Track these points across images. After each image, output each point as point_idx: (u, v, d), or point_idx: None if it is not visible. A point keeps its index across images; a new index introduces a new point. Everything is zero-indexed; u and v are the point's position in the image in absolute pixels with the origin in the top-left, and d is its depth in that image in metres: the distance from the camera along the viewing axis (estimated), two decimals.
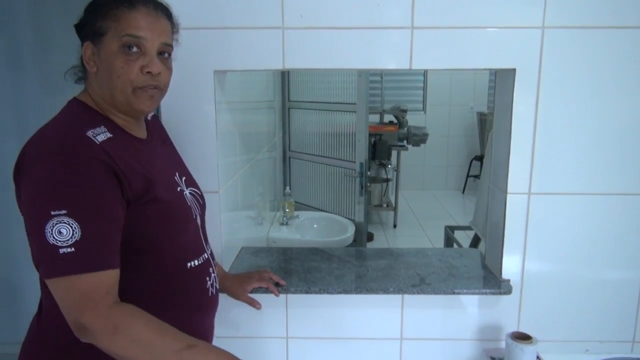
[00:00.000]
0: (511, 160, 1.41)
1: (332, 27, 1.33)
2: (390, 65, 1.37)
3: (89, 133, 0.90)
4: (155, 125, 1.17)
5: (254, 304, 1.37)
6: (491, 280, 1.49)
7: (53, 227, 0.81)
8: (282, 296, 1.49)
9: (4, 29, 2.50)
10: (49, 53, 2.49)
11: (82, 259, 0.82)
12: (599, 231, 1.44)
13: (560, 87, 1.36)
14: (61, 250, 0.81)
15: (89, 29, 0.96)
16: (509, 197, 1.43)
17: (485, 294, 1.45)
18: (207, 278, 1.12)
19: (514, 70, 1.35)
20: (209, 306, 1.15)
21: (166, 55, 1.01)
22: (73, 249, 0.81)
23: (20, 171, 0.88)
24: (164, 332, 0.88)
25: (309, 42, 1.35)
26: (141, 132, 1.06)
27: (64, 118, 0.96)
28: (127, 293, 0.90)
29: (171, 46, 1.02)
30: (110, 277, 0.86)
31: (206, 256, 1.13)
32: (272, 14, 1.33)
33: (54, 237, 0.81)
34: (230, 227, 1.61)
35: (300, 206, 3.45)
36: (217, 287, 1.18)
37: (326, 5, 1.33)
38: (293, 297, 1.51)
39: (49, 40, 2.49)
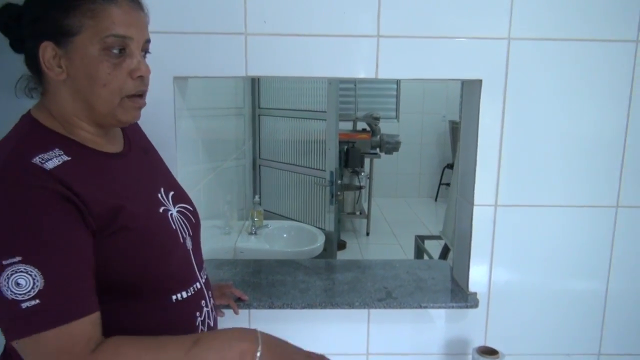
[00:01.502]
0: (477, 172, 1.39)
1: (297, 34, 1.30)
2: (356, 74, 1.34)
3: (36, 159, 0.74)
4: (134, 133, 1.00)
5: (217, 312, 1.30)
6: (458, 293, 1.47)
7: (8, 278, 0.67)
8: (245, 311, 1.44)
9: None
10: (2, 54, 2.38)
11: (51, 310, 0.69)
12: (565, 243, 1.44)
13: (526, 99, 1.35)
14: (23, 305, 0.67)
15: (45, 25, 0.78)
16: (475, 208, 1.41)
17: (452, 307, 1.42)
18: (198, 313, 0.94)
19: (480, 81, 1.34)
20: None
21: (146, 54, 0.88)
22: (37, 300, 0.67)
23: None
24: (163, 345, 0.76)
25: (273, 49, 1.31)
26: (114, 145, 0.90)
27: (9, 142, 0.79)
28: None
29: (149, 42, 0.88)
30: (88, 325, 0.72)
31: (198, 286, 0.95)
32: (235, 20, 1.29)
33: (11, 291, 0.67)
34: None
35: (270, 215, 3.40)
36: (212, 324, 0.99)
37: (291, 11, 1.29)
38: (256, 312, 1.46)
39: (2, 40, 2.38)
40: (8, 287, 0.67)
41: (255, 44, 1.30)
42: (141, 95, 0.86)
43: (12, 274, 0.67)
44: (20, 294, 0.67)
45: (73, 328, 0.70)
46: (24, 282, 0.67)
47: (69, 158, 0.78)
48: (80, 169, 0.79)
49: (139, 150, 0.98)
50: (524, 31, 1.31)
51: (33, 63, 0.81)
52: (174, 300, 0.89)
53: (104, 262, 0.78)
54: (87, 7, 0.77)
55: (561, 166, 1.39)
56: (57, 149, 0.78)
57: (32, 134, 0.80)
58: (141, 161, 0.97)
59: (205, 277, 1.01)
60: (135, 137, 0.99)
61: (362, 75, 1.33)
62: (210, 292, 1.01)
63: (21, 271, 0.67)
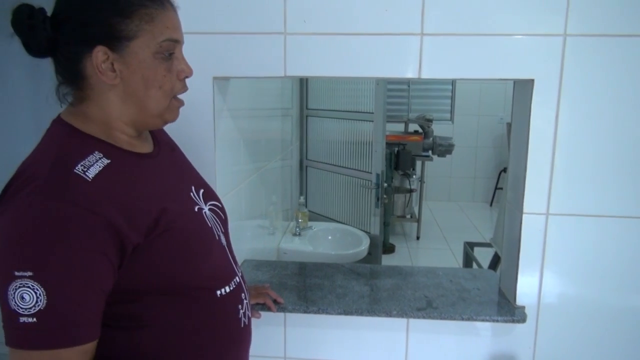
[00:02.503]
0: (528, 178, 1.30)
1: (336, 33, 1.26)
2: (397, 73, 1.28)
3: (78, 168, 0.74)
4: (159, 132, 1.02)
5: (253, 313, 1.30)
6: (504, 306, 1.38)
7: (15, 290, 0.68)
8: (280, 314, 1.42)
9: None
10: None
11: (44, 332, 0.69)
12: (623, 256, 1.32)
13: (582, 100, 1.25)
14: (21, 319, 0.68)
15: (98, 30, 0.77)
16: (524, 217, 1.32)
17: (497, 321, 1.34)
18: (240, 306, 0.97)
19: (532, 81, 1.25)
20: (243, 340, 0.99)
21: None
22: (34, 319, 0.68)
23: (1, 205, 0.74)
24: None
25: (312, 48, 1.28)
26: (147, 146, 0.91)
27: (49, 150, 0.78)
28: (154, 341, 0.83)
29: None
30: (76, 354, 0.72)
31: (237, 280, 0.98)
32: (274, 19, 1.27)
33: (15, 302, 0.68)
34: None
35: (315, 216, 3.38)
36: (250, 316, 1.02)
37: (330, 10, 1.26)
38: (292, 316, 1.44)
39: None
40: (13, 298, 0.68)
41: (295, 43, 1.28)
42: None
43: (19, 287, 0.68)
44: (21, 308, 0.68)
45: (60, 355, 0.70)
46: (28, 298, 0.68)
47: (109, 161, 0.78)
48: (120, 172, 0.79)
49: (167, 149, 0.99)
50: (581, 27, 1.21)
51: (72, 68, 0.80)
52: (219, 295, 0.91)
53: (152, 265, 0.80)
54: (144, 11, 0.79)
55: (620, 173, 1.28)
56: (96, 152, 0.78)
57: (72, 140, 0.80)
58: (170, 160, 0.98)
59: (241, 271, 1.03)
60: (161, 136, 1.00)
61: (404, 75, 1.28)
62: (246, 285, 1.03)
63: (28, 286, 0.68)
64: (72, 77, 0.81)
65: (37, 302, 0.68)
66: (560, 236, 1.32)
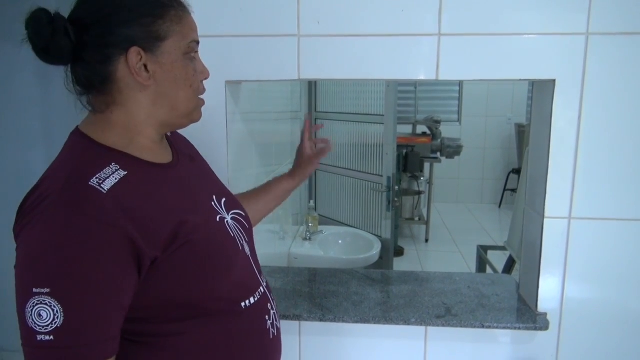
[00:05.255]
0: (549, 181, 1.26)
1: (351, 34, 1.23)
2: (415, 75, 1.25)
3: (94, 180, 0.72)
4: (178, 141, 0.99)
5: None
6: (526, 313, 1.34)
7: (33, 307, 0.66)
8: (295, 323, 1.39)
9: None
10: None
11: (60, 350, 0.67)
12: None
13: (606, 101, 1.21)
14: (38, 337, 0.66)
15: (133, 30, 0.76)
16: (546, 221, 1.28)
17: (519, 329, 1.30)
18: (267, 317, 0.94)
19: (554, 81, 1.21)
20: (271, 351, 0.96)
21: None
22: (52, 337, 0.66)
23: (18, 221, 0.73)
24: None
25: (326, 50, 1.25)
26: (166, 155, 0.89)
27: (67, 162, 0.77)
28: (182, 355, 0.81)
29: None
30: None
31: (262, 290, 0.95)
32: (288, 21, 1.25)
33: (32, 320, 0.66)
34: None
35: (326, 220, 3.35)
36: (279, 326, 0.99)
37: (345, 11, 1.23)
38: (306, 324, 1.41)
39: None
40: (31, 315, 0.66)
41: (309, 45, 1.25)
42: None
43: (37, 304, 0.66)
44: (39, 326, 0.66)
45: None
46: (45, 315, 0.66)
47: (126, 172, 0.76)
48: (137, 184, 0.77)
49: (186, 159, 0.95)
50: (604, 25, 1.17)
51: (100, 72, 0.77)
52: (243, 307, 0.89)
53: (172, 280, 0.77)
54: (174, 13, 0.80)
55: None
56: (113, 164, 0.76)
57: (88, 152, 0.78)
58: (189, 169, 0.94)
59: (265, 280, 1.00)
60: (180, 146, 0.97)
61: (421, 77, 1.25)
62: (272, 294, 1.00)
63: (46, 303, 0.66)
64: (98, 82, 0.78)
65: (54, 319, 0.66)
66: (583, 240, 1.28)
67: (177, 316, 0.80)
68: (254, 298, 0.91)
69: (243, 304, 0.89)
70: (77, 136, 0.80)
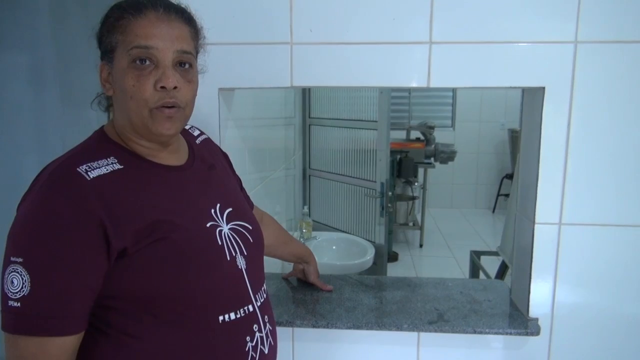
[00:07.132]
0: (540, 187, 1.28)
1: (343, 42, 1.25)
2: (407, 83, 1.26)
3: (82, 167, 0.77)
4: (205, 149, 1.01)
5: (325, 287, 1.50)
6: (517, 318, 1.35)
7: (9, 274, 0.72)
8: (288, 329, 1.39)
9: (26, 45, 2.51)
10: (70, 70, 2.48)
11: (24, 318, 0.72)
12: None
13: (595, 108, 1.23)
14: (9, 303, 0.72)
15: (100, 46, 0.85)
16: (537, 227, 1.29)
17: (510, 334, 1.31)
18: (248, 337, 0.88)
19: (543, 89, 1.23)
20: None
21: (187, 66, 0.85)
22: (19, 303, 0.72)
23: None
24: None
25: (319, 58, 1.26)
26: (176, 158, 0.91)
27: (74, 149, 0.84)
28: (143, 356, 0.81)
29: (192, 54, 0.86)
30: (57, 346, 0.74)
31: (250, 308, 0.90)
32: (280, 29, 1.26)
33: (7, 286, 0.73)
34: None
35: (320, 226, 3.35)
36: (267, 351, 0.93)
37: (337, 19, 1.24)
38: (299, 330, 1.41)
39: (71, 56, 2.49)
40: (6, 281, 0.73)
41: (301, 53, 1.26)
42: (172, 106, 0.83)
43: (11, 271, 0.72)
44: (10, 292, 0.72)
45: (39, 343, 0.73)
46: (16, 282, 0.72)
47: (121, 167, 0.82)
48: (128, 179, 0.82)
49: (203, 166, 0.97)
50: (592, 34, 1.19)
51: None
52: (220, 321, 0.86)
53: (138, 271, 0.79)
54: (119, 23, 0.82)
55: (633, 182, 1.26)
56: (112, 157, 0.82)
57: (94, 144, 0.85)
58: (201, 176, 0.96)
59: (262, 300, 0.96)
60: (203, 153, 1.00)
61: (413, 84, 1.26)
62: (267, 317, 0.96)
63: (17, 272, 0.72)
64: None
65: (22, 287, 0.72)
66: (574, 246, 1.30)
67: (136, 311, 0.81)
68: (236, 314, 0.87)
69: (221, 318, 0.85)
70: (99, 130, 0.89)
